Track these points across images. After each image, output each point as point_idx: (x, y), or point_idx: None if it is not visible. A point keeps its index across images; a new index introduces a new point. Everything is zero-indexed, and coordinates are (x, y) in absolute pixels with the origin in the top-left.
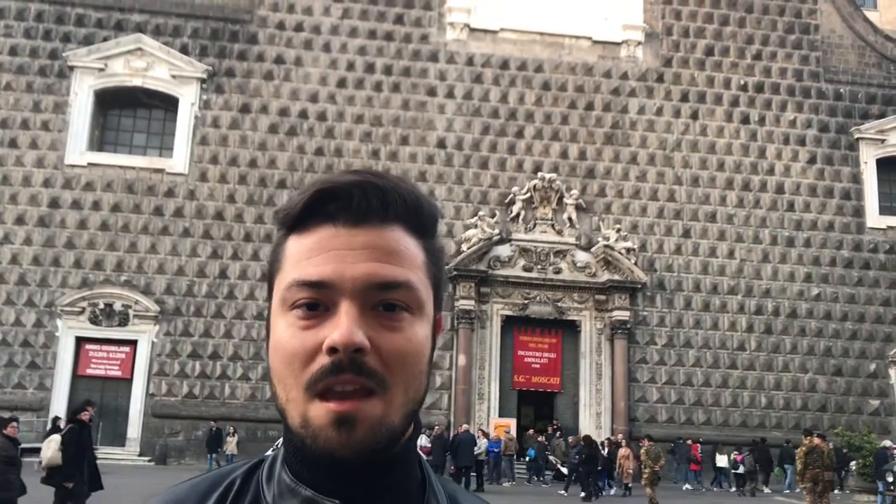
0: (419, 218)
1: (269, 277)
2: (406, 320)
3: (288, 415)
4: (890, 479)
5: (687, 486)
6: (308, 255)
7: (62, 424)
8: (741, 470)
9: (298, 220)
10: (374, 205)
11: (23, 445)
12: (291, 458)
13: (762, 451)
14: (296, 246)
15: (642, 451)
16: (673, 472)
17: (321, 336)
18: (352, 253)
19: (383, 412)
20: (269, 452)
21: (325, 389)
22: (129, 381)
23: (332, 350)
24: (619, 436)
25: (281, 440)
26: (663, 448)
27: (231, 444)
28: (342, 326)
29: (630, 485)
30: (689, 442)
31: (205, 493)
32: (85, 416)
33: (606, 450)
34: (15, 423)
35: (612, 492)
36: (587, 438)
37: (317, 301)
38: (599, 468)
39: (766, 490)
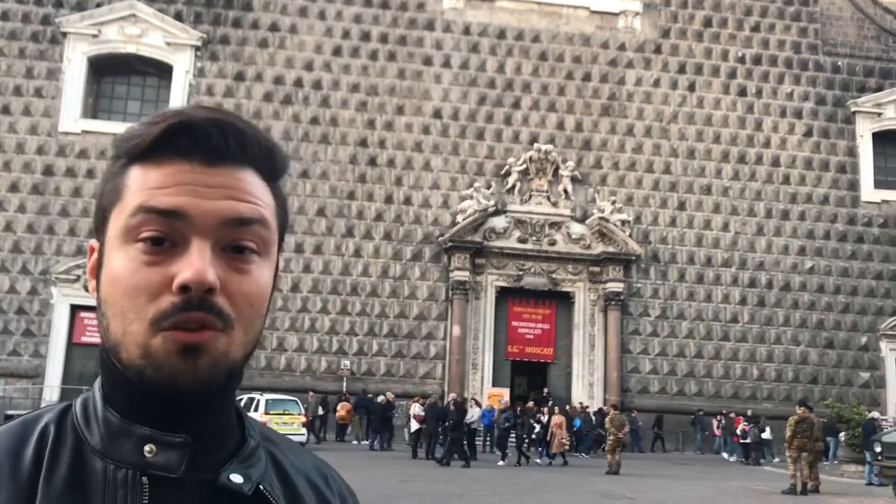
0: (272, 164)
1: (102, 209)
2: (255, 263)
3: (123, 348)
4: (878, 450)
5: (726, 455)
6: (159, 186)
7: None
8: (748, 440)
9: (147, 150)
10: (232, 145)
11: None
12: (117, 397)
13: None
14: (142, 176)
15: (607, 419)
16: (693, 441)
17: (169, 273)
18: (207, 190)
19: (226, 347)
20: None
21: (172, 326)
22: None
23: (184, 288)
24: (550, 402)
25: (96, 383)
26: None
27: None
28: (195, 265)
29: (560, 454)
30: (733, 415)
31: (17, 441)
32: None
33: (547, 417)
34: None
35: (539, 461)
36: (516, 404)
37: (163, 235)
38: (532, 437)
39: (776, 460)
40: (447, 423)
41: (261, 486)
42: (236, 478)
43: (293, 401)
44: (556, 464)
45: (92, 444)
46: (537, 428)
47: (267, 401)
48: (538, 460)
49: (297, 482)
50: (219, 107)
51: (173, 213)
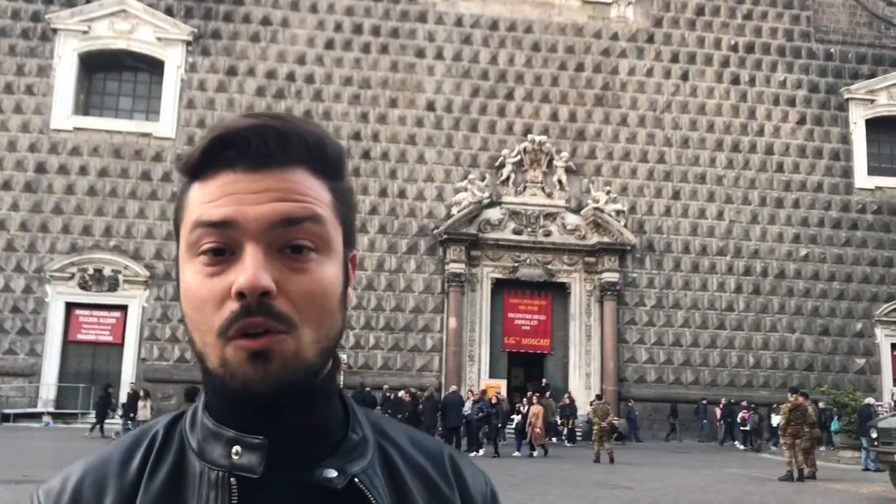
0: (323, 159)
1: (175, 226)
2: (314, 261)
3: (207, 358)
4: (874, 436)
5: (737, 443)
6: (209, 199)
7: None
8: (747, 427)
9: (198, 167)
10: (274, 148)
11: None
12: (213, 402)
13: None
14: (197, 192)
15: (590, 409)
16: (698, 430)
17: (228, 281)
18: (252, 196)
19: (296, 348)
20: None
21: (237, 333)
22: (121, 346)
23: (240, 295)
24: (530, 393)
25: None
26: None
27: (143, 411)
28: (247, 270)
29: (540, 445)
30: (744, 403)
31: (130, 450)
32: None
33: (527, 407)
34: None
35: (517, 452)
36: (484, 393)
37: (222, 246)
38: (500, 425)
39: (774, 448)
40: (482, 413)
41: (356, 480)
42: (329, 472)
43: None
44: (538, 455)
45: (192, 447)
46: (517, 419)
47: None
48: (517, 452)
49: (408, 479)
50: (211, 102)
51: (224, 224)
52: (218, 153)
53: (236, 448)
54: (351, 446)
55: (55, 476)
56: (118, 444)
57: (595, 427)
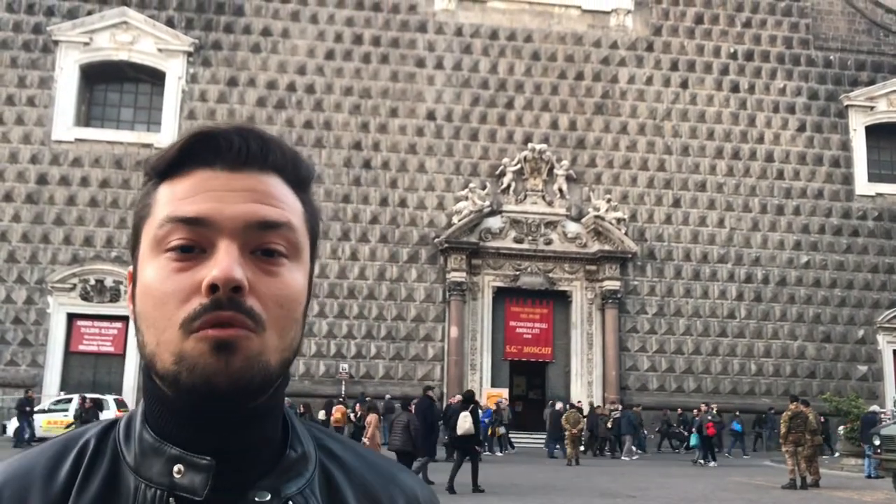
0: (297, 171)
1: (135, 229)
2: (285, 266)
3: (158, 359)
4: (877, 443)
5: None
6: (183, 196)
7: None
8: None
9: (173, 165)
10: (255, 150)
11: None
12: (155, 413)
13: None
14: (169, 190)
15: (563, 417)
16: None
17: (198, 277)
18: (231, 194)
19: (260, 349)
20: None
21: (202, 327)
22: (122, 357)
23: (212, 288)
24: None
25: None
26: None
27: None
28: (221, 263)
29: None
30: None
31: (55, 459)
32: (430, 392)
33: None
34: None
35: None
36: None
37: (192, 244)
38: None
39: (728, 456)
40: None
41: (289, 503)
42: (263, 496)
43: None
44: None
45: (128, 461)
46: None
47: None
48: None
49: (350, 498)
50: (212, 113)
51: (198, 221)
52: (197, 151)
53: (178, 467)
54: (288, 464)
55: None
56: (41, 452)
57: (567, 433)
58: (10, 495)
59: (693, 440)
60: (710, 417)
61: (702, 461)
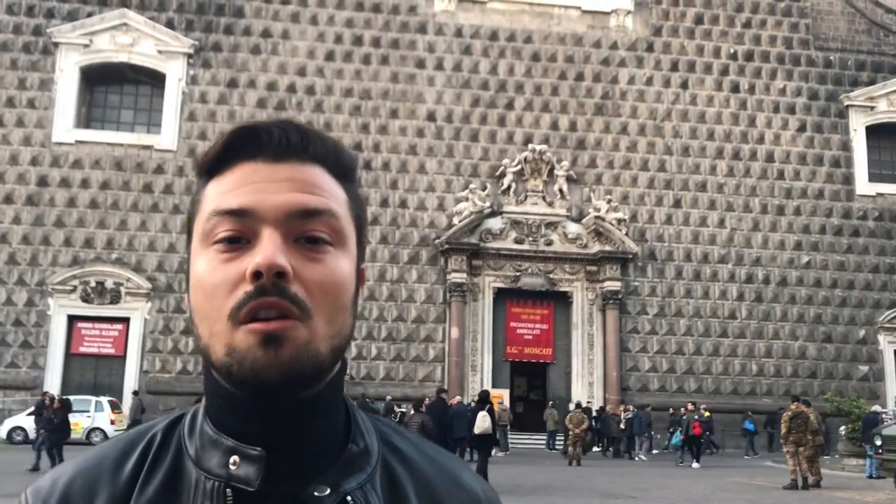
0: (339, 161)
1: (188, 224)
2: (329, 253)
3: (212, 350)
4: (878, 443)
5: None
6: (228, 190)
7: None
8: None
9: (218, 161)
10: (295, 142)
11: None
12: (214, 406)
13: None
14: (214, 187)
15: (567, 417)
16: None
17: (244, 266)
18: (273, 185)
19: (308, 337)
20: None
21: (249, 315)
22: (123, 358)
23: (256, 275)
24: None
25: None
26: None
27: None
28: (265, 250)
29: None
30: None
31: (123, 452)
32: (444, 394)
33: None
34: None
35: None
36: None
37: (237, 234)
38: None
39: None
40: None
41: (348, 499)
42: (321, 489)
43: None
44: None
45: (190, 454)
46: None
47: None
48: None
49: (412, 494)
50: (213, 114)
51: (242, 212)
52: (240, 146)
53: (234, 458)
54: (350, 458)
55: (45, 475)
56: (113, 445)
57: (570, 434)
58: (81, 485)
59: (674, 440)
60: (696, 417)
61: (682, 461)
